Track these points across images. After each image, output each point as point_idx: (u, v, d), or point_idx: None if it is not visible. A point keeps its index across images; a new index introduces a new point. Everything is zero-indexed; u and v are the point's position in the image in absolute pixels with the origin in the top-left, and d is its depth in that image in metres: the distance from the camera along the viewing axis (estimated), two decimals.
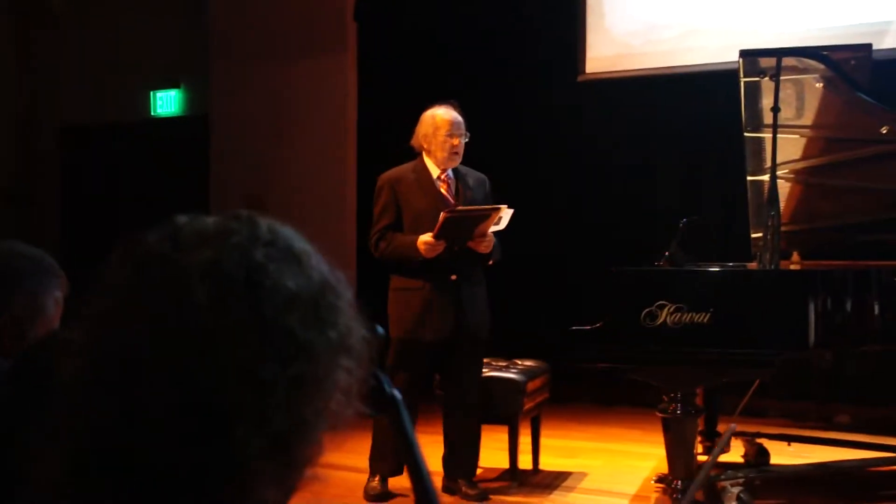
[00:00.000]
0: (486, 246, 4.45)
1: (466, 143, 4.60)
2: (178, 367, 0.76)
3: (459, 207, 4.45)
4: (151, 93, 9.04)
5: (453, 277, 4.49)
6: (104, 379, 0.78)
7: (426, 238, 4.39)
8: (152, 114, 9.08)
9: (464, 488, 4.57)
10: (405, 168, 4.68)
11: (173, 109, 9.04)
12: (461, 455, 4.63)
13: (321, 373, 0.81)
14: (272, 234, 0.84)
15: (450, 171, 4.63)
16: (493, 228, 4.46)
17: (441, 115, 4.57)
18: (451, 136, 4.54)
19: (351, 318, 0.86)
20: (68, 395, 0.80)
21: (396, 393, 1.03)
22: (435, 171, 4.61)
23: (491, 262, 4.61)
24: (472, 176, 4.71)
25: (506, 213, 4.44)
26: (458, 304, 4.49)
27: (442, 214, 4.30)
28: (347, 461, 5.04)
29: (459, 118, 4.59)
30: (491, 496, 4.61)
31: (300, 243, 0.86)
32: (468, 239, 4.43)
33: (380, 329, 0.99)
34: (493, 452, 4.96)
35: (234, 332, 0.77)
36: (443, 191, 4.60)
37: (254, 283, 0.79)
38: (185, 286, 0.78)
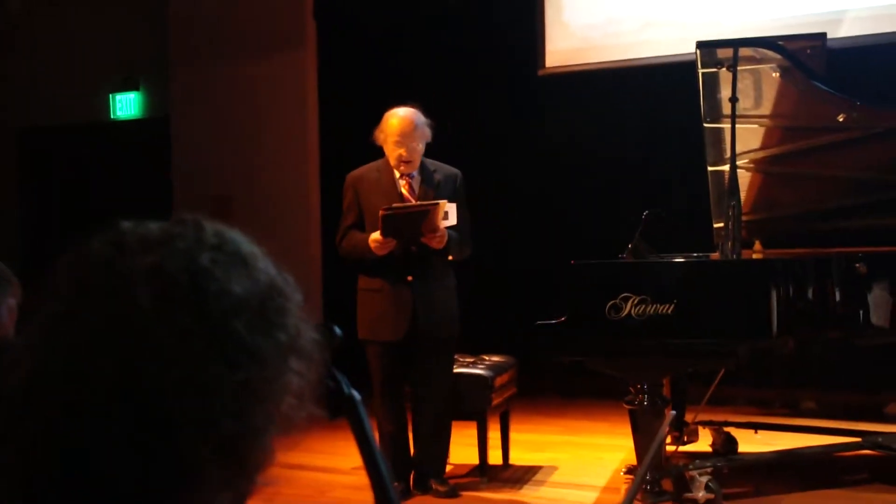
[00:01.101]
0: (437, 241, 4.39)
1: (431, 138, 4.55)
2: (123, 372, 0.75)
3: (395, 205, 4.39)
4: (110, 95, 8.94)
5: (409, 278, 4.48)
6: (49, 384, 0.77)
7: (375, 236, 4.39)
8: (112, 117, 8.99)
9: (434, 485, 4.56)
10: (370, 167, 4.64)
11: (133, 112, 8.95)
12: (430, 452, 4.62)
13: (270, 376, 0.80)
14: (218, 237, 0.83)
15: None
16: (444, 223, 4.39)
17: (393, 123, 4.48)
18: (398, 145, 4.47)
19: (300, 320, 0.85)
20: (14, 401, 0.78)
21: (355, 393, 1.02)
22: (397, 171, 4.57)
23: (451, 258, 4.58)
24: (442, 172, 4.64)
25: (450, 208, 4.38)
26: (413, 305, 4.47)
27: (380, 212, 4.29)
28: (315, 461, 5.03)
29: (413, 127, 4.47)
30: (461, 492, 4.61)
31: (247, 246, 0.85)
32: (419, 235, 4.39)
33: (337, 329, 0.98)
34: (462, 448, 4.96)
35: (179, 337, 0.76)
36: (404, 191, 4.56)
37: (199, 287, 0.78)
38: (130, 291, 0.77)
